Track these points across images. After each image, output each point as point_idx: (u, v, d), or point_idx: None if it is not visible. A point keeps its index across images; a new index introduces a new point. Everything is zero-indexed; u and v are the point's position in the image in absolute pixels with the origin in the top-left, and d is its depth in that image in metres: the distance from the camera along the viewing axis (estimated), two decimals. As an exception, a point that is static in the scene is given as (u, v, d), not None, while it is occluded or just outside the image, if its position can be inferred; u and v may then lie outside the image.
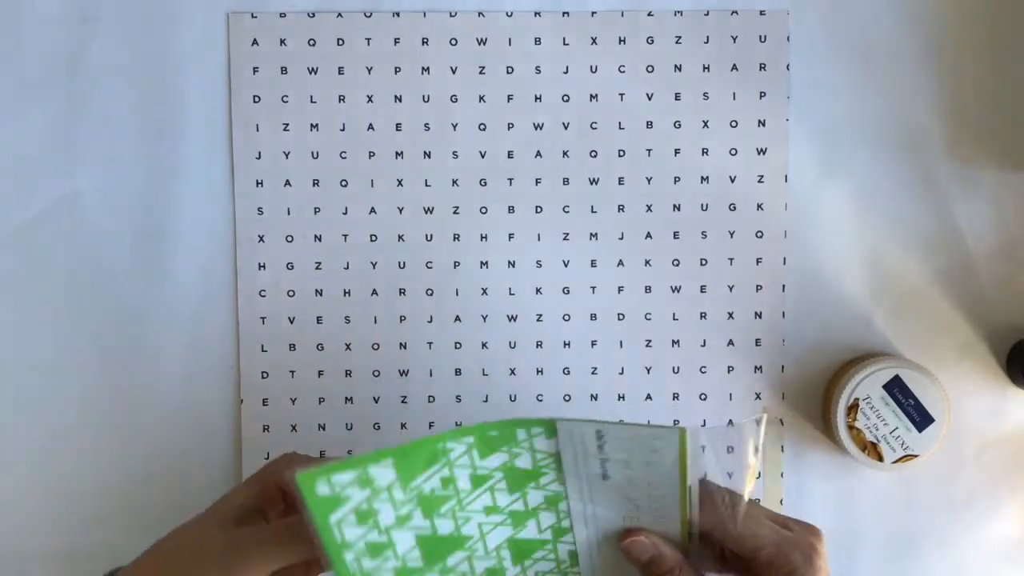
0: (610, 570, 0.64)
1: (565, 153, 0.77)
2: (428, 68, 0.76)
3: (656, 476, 0.59)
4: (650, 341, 0.78)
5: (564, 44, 0.77)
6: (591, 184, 0.77)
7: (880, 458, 0.75)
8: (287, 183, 0.77)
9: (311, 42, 0.76)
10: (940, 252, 0.79)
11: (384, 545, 0.57)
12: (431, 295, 0.78)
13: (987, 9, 0.77)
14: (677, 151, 0.77)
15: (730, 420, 0.79)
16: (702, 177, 0.78)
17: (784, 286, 0.78)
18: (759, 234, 0.78)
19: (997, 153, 0.78)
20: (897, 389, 0.75)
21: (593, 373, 0.79)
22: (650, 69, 0.77)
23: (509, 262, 0.78)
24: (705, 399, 0.79)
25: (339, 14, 0.76)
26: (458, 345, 0.78)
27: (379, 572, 0.57)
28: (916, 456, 0.75)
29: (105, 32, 0.76)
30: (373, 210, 0.77)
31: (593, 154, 0.77)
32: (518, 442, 0.61)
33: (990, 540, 0.80)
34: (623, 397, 0.79)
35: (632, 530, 0.62)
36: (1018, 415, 0.80)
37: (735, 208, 0.78)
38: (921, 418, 0.75)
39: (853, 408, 0.75)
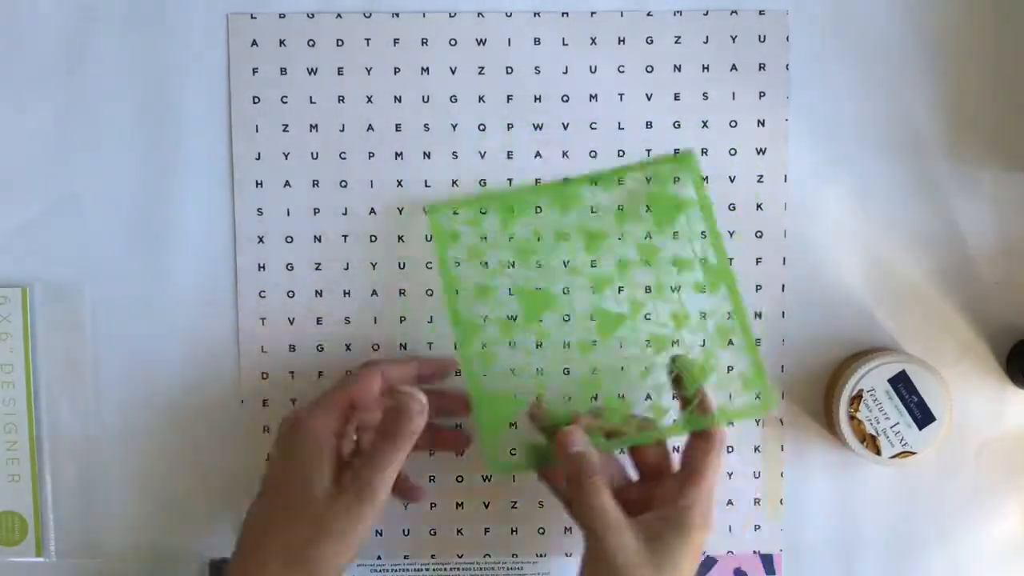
0: None
1: (565, 153, 0.77)
2: (428, 68, 0.76)
3: None
4: (650, 341, 0.78)
5: (564, 44, 0.77)
6: (591, 184, 0.77)
7: (878, 451, 0.75)
8: (287, 184, 0.77)
9: (311, 43, 0.76)
10: (940, 252, 0.79)
11: (488, 289, 0.76)
12: (431, 295, 0.78)
13: (987, 9, 0.77)
14: (677, 151, 0.77)
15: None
16: (702, 177, 0.77)
17: (784, 286, 0.78)
18: (759, 234, 0.78)
19: (997, 153, 0.78)
20: (902, 384, 0.75)
21: (593, 373, 0.79)
22: (649, 69, 0.77)
23: (509, 262, 0.78)
24: (705, 399, 0.79)
25: (338, 15, 0.76)
26: (458, 346, 0.78)
27: (486, 322, 0.77)
28: (914, 454, 0.75)
29: (105, 32, 0.76)
30: (373, 210, 0.77)
31: (593, 154, 0.77)
32: (583, 202, 0.77)
33: (990, 539, 0.80)
34: (623, 396, 0.79)
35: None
36: (1018, 415, 0.80)
37: (735, 208, 0.78)
38: (923, 416, 0.75)
39: (857, 399, 0.75)
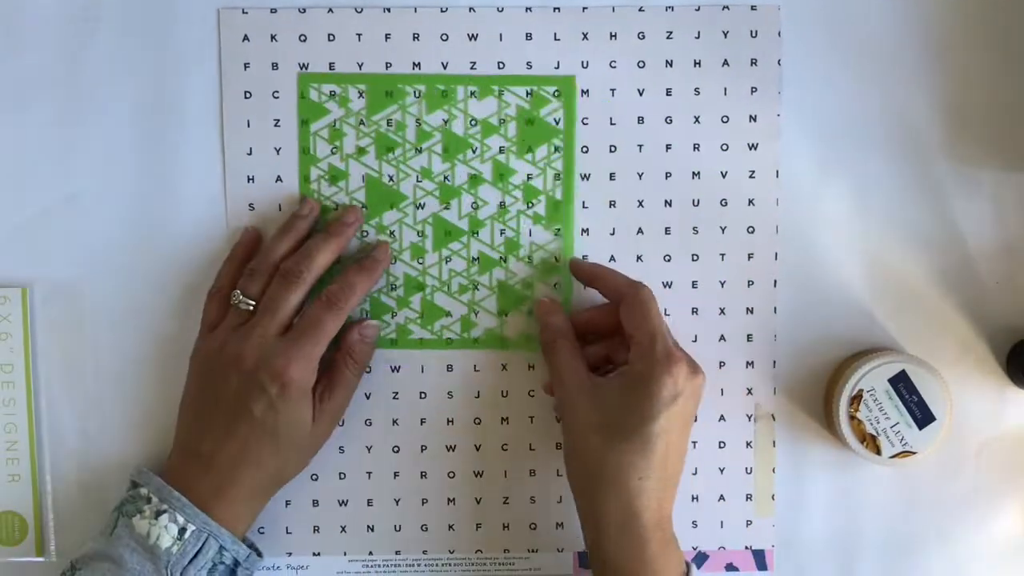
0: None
1: (557, 148, 0.77)
2: (419, 63, 0.77)
3: None
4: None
5: (555, 39, 0.77)
6: (582, 180, 0.77)
7: (878, 451, 0.75)
8: (278, 179, 0.77)
9: (302, 38, 0.76)
10: (940, 252, 0.78)
11: (342, 174, 0.76)
12: (430, 296, 0.78)
13: (985, 6, 0.77)
14: (668, 147, 0.77)
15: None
16: (693, 173, 0.77)
17: (775, 281, 0.78)
18: (750, 229, 0.78)
19: (997, 153, 0.78)
20: (902, 384, 0.74)
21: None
22: (641, 64, 0.77)
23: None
24: (698, 396, 0.78)
25: (330, 9, 0.76)
26: (450, 341, 0.78)
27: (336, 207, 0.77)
28: (914, 453, 0.75)
29: (104, 31, 0.77)
30: (364, 205, 0.77)
31: (584, 150, 0.77)
32: (456, 102, 0.76)
33: (990, 539, 0.80)
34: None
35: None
36: (1018, 415, 0.79)
37: (726, 204, 0.78)
38: (923, 416, 0.75)
39: (856, 399, 0.75)
